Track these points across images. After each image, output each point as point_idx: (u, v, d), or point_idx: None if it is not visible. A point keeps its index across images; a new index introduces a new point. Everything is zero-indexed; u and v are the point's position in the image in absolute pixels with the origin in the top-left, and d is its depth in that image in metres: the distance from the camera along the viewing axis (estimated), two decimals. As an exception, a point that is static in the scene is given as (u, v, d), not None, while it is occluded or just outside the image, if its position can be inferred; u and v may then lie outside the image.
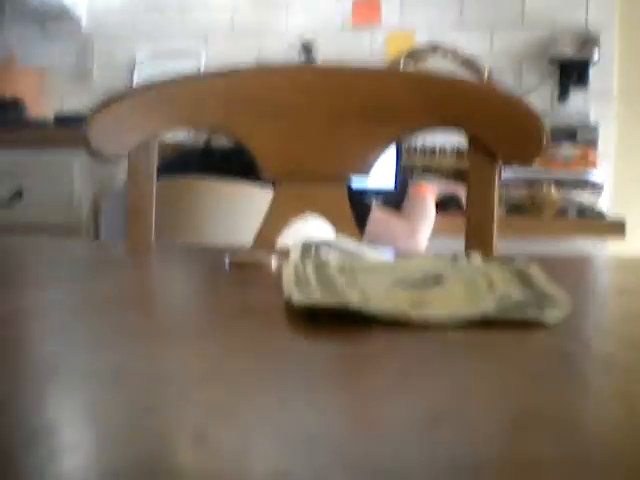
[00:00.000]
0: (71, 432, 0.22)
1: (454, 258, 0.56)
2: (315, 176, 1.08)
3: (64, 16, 3.17)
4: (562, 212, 2.25)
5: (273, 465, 0.19)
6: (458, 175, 2.46)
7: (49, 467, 0.19)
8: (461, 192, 2.16)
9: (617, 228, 2.16)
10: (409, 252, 1.77)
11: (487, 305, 0.41)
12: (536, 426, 0.23)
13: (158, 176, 1.12)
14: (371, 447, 0.21)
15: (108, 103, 1.08)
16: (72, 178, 2.57)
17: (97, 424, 0.22)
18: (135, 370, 0.27)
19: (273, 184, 1.10)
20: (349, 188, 1.08)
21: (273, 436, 0.21)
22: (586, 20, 2.62)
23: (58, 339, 0.33)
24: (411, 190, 2.00)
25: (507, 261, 0.52)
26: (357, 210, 1.15)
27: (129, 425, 0.22)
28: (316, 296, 0.41)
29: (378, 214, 1.75)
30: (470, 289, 0.45)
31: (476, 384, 0.27)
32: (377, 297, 0.42)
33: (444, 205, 2.06)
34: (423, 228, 1.82)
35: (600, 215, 2.27)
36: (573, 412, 0.24)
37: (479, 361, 0.31)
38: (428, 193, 1.94)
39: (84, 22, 3.21)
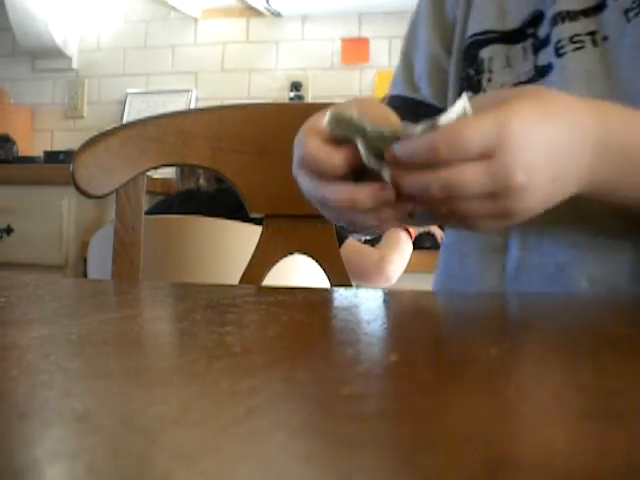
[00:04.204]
0: (36, 477, 0.21)
1: None
2: (302, 214, 1.07)
3: (55, 54, 3.19)
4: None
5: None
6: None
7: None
8: (435, 230, 2.21)
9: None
10: (378, 282, 1.81)
11: None
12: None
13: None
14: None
15: (95, 142, 1.07)
16: (61, 215, 2.56)
17: (62, 469, 0.21)
18: (103, 413, 0.27)
19: (262, 221, 1.09)
20: None
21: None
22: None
23: (30, 379, 0.32)
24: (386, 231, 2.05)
25: None
26: None
27: (95, 470, 0.21)
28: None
29: (351, 241, 1.79)
30: None
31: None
32: None
33: (419, 241, 2.09)
34: (393, 258, 1.85)
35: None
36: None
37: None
38: (402, 231, 1.97)
39: (75, 60, 3.23)
